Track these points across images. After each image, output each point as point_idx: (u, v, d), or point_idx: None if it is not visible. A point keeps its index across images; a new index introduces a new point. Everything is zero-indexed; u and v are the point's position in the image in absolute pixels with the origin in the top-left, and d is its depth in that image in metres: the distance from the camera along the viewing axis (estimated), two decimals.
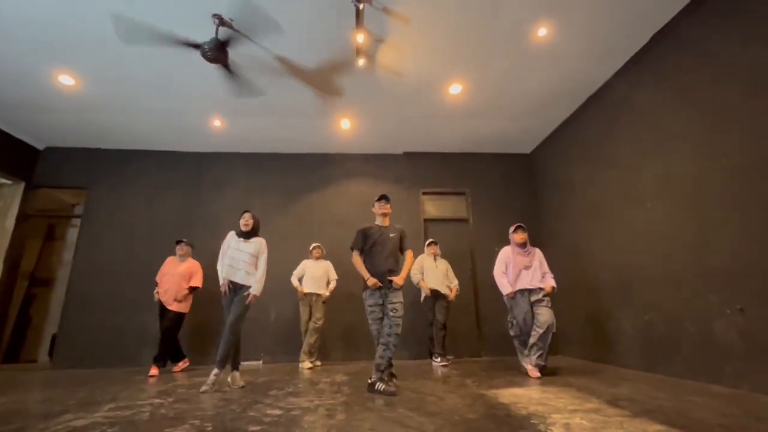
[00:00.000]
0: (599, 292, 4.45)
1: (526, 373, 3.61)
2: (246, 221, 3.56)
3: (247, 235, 3.54)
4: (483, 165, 6.19)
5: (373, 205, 3.37)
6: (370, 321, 3.13)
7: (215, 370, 3.22)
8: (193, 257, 4.87)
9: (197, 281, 4.71)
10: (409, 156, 6.15)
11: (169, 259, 4.76)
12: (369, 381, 3.03)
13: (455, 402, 2.61)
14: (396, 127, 5.43)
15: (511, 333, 3.88)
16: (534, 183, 6.13)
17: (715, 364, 2.99)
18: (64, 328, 5.15)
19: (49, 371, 4.82)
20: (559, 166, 5.42)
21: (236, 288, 3.40)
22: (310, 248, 5.07)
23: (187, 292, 4.60)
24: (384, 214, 3.31)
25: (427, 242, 5.04)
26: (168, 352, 4.53)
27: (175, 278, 4.56)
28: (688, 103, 3.34)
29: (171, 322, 4.46)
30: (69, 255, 5.78)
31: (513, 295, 3.79)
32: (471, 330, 5.46)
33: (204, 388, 3.13)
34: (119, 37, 3.54)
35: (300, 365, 4.59)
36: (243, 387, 3.29)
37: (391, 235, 3.26)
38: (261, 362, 5.10)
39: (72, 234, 6.26)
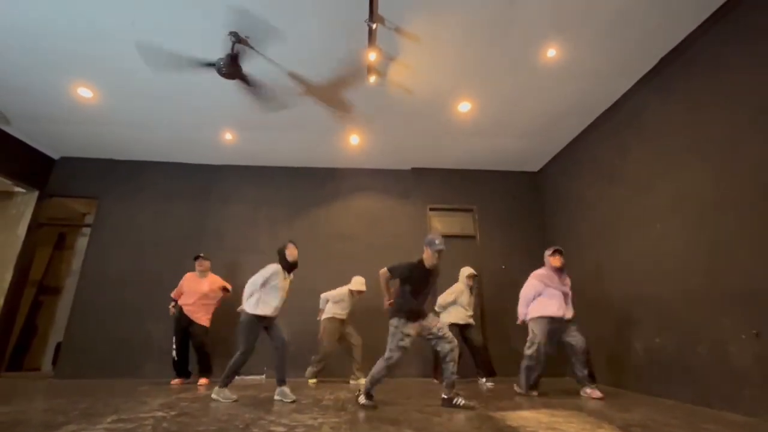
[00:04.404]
0: (609, 314, 4.37)
1: (519, 394, 3.65)
2: (293, 251, 3.53)
3: (292, 269, 3.54)
4: (491, 182, 6.20)
5: (426, 250, 3.20)
6: (396, 349, 3.04)
7: (279, 389, 3.38)
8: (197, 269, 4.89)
9: (227, 284, 4.83)
10: (417, 172, 6.18)
11: (189, 276, 4.76)
12: (444, 397, 3.12)
13: (462, 424, 2.54)
14: (405, 143, 5.48)
15: (528, 352, 3.68)
16: (542, 201, 6.11)
17: (729, 390, 2.91)
18: (70, 337, 5.15)
19: (52, 380, 4.81)
20: (568, 185, 5.41)
21: (270, 319, 3.45)
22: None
23: (212, 307, 4.74)
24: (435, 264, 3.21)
25: (467, 273, 4.74)
26: (209, 362, 4.64)
27: (200, 296, 4.64)
28: (699, 123, 3.34)
29: (201, 336, 4.59)
30: (78, 264, 5.84)
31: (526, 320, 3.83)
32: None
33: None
34: (148, 66, 3.76)
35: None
36: (294, 401, 3.29)
37: (434, 278, 3.24)
38: (264, 377, 5.04)
39: (81, 243, 6.33)
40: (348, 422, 2.56)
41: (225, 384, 3.36)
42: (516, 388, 3.75)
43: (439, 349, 3.18)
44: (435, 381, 4.62)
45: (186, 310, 4.60)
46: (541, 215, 6.05)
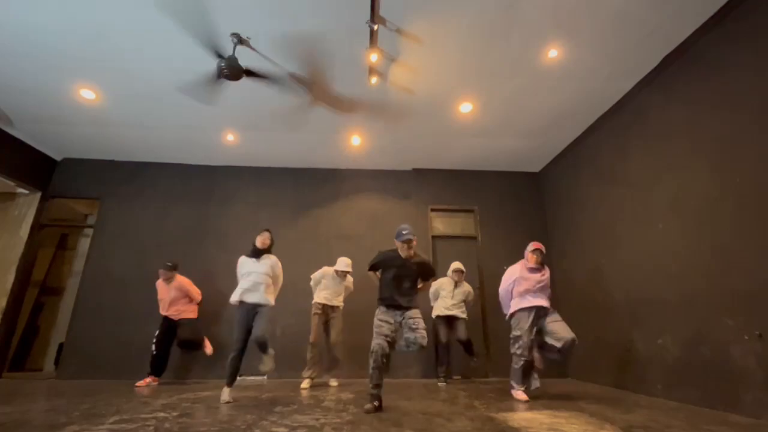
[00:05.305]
0: (611, 314, 4.36)
1: (515, 399, 3.47)
2: (264, 240, 3.67)
3: (258, 254, 3.63)
4: (492, 183, 6.20)
5: (396, 243, 3.17)
6: (375, 335, 3.04)
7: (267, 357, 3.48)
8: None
9: (195, 295, 4.84)
10: (418, 172, 6.19)
11: (159, 283, 4.81)
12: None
13: (464, 425, 2.54)
14: (406, 144, 5.48)
15: (513, 351, 3.60)
16: (543, 202, 6.10)
17: (732, 391, 2.90)
18: (72, 338, 5.16)
19: (54, 381, 4.82)
20: (569, 185, 5.40)
21: (253, 307, 3.50)
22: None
23: (188, 306, 4.76)
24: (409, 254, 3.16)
25: (453, 268, 4.83)
26: (193, 344, 4.68)
27: (170, 302, 4.71)
28: (700, 123, 3.33)
29: (188, 331, 4.64)
30: (79, 265, 5.84)
31: (512, 316, 3.73)
32: (478, 350, 5.34)
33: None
34: (194, 98, 4.08)
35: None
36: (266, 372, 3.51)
37: (411, 269, 3.16)
38: (266, 377, 5.04)
39: (83, 244, 6.35)
40: (349, 423, 2.56)
41: (228, 383, 3.35)
42: (514, 394, 3.57)
43: (406, 336, 3.05)
44: (439, 383, 4.62)
45: (168, 315, 4.68)
46: (543, 216, 6.05)
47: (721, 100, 3.14)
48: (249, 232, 5.68)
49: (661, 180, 3.73)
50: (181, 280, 4.80)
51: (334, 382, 4.48)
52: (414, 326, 3.05)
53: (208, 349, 4.71)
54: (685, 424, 2.57)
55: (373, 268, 3.30)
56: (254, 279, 3.53)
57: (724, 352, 2.98)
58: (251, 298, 3.49)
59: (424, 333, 3.05)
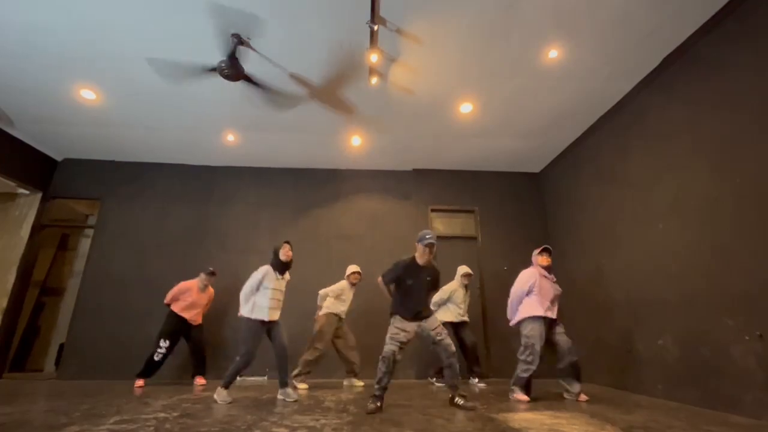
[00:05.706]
0: (611, 315, 4.36)
1: (515, 401, 3.45)
2: (287, 252, 3.56)
3: (284, 270, 3.58)
4: (492, 183, 6.20)
5: (417, 246, 3.19)
6: (389, 341, 3.08)
7: (281, 390, 3.48)
8: (200, 272, 4.89)
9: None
10: (419, 173, 6.19)
11: (193, 286, 4.73)
12: (450, 396, 3.20)
13: (464, 425, 2.54)
14: (406, 144, 5.48)
15: (524, 358, 3.56)
16: (543, 202, 6.10)
17: (733, 392, 2.89)
18: (72, 338, 5.16)
19: (54, 381, 4.82)
20: (570, 186, 5.40)
21: (269, 322, 3.49)
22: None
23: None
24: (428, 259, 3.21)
25: (463, 272, 4.78)
26: (205, 361, 4.78)
27: (200, 308, 4.78)
28: (700, 123, 3.33)
29: (202, 334, 4.77)
30: (80, 265, 5.85)
31: (521, 322, 3.68)
32: (479, 351, 5.35)
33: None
34: (162, 78, 3.92)
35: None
36: (296, 400, 3.42)
37: (427, 278, 3.20)
38: (266, 378, 5.04)
39: (84, 244, 6.35)
40: (350, 424, 2.56)
41: (226, 386, 3.36)
42: (514, 396, 3.54)
43: (439, 353, 3.16)
44: (433, 382, 4.61)
45: (186, 314, 4.63)
46: (543, 216, 6.04)
47: (721, 100, 3.14)
48: (249, 233, 5.76)
49: (661, 180, 3.73)
50: (212, 291, 4.93)
51: (359, 383, 4.54)
52: (439, 338, 3.12)
53: None
54: (685, 424, 2.57)
55: (391, 280, 3.23)
56: (278, 298, 3.52)
57: (724, 353, 2.98)
58: (274, 316, 3.47)
59: (449, 340, 3.15)
